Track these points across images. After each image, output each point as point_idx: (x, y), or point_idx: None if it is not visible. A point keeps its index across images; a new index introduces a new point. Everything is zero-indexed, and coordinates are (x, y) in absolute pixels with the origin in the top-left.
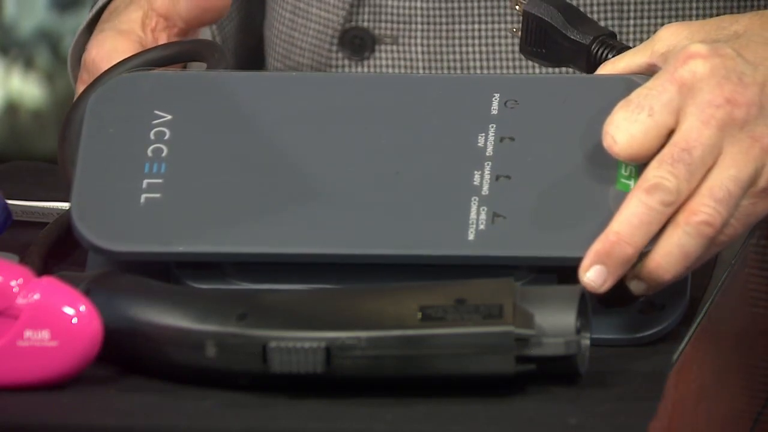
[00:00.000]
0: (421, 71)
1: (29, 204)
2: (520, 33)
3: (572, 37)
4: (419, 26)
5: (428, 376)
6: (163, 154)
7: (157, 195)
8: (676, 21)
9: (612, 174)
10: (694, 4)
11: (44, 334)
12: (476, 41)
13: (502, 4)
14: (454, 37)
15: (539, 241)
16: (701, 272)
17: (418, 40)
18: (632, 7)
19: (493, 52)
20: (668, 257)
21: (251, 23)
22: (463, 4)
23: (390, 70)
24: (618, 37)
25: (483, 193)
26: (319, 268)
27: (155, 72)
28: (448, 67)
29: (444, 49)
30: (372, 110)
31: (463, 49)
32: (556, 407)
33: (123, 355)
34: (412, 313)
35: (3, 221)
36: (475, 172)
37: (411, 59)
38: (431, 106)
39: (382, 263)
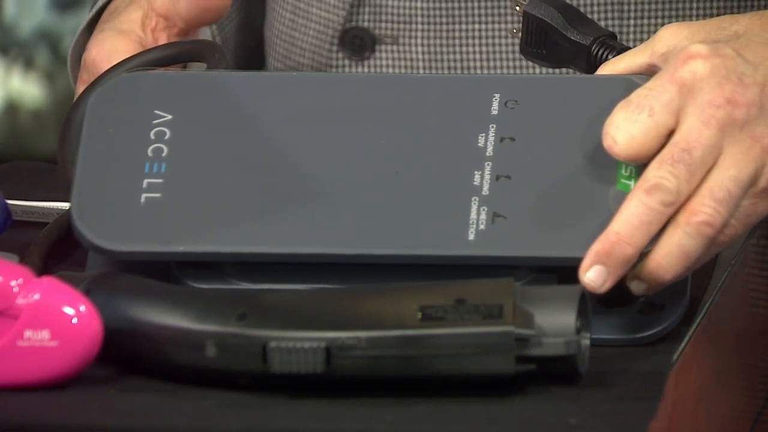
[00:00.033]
0: (421, 71)
1: (29, 204)
2: (520, 33)
3: (572, 37)
4: (419, 26)
5: (428, 376)
6: (164, 154)
7: (158, 195)
8: (676, 21)
9: (612, 174)
10: (694, 4)
11: (44, 334)
12: (476, 41)
13: (502, 4)
14: (454, 38)
15: (539, 241)
16: (701, 272)
17: (419, 40)
18: (632, 7)
19: (494, 53)
20: (668, 257)
21: (251, 23)
22: (463, 5)
23: (390, 70)
24: (618, 37)
25: (483, 193)
26: (319, 268)
27: (155, 72)
28: (449, 68)
29: (444, 49)
30: (372, 110)
31: (464, 49)
32: (556, 407)
33: (123, 355)
34: (412, 313)
35: (3, 221)
36: (476, 172)
37: (411, 59)
38: (431, 106)
39: (382, 263)
